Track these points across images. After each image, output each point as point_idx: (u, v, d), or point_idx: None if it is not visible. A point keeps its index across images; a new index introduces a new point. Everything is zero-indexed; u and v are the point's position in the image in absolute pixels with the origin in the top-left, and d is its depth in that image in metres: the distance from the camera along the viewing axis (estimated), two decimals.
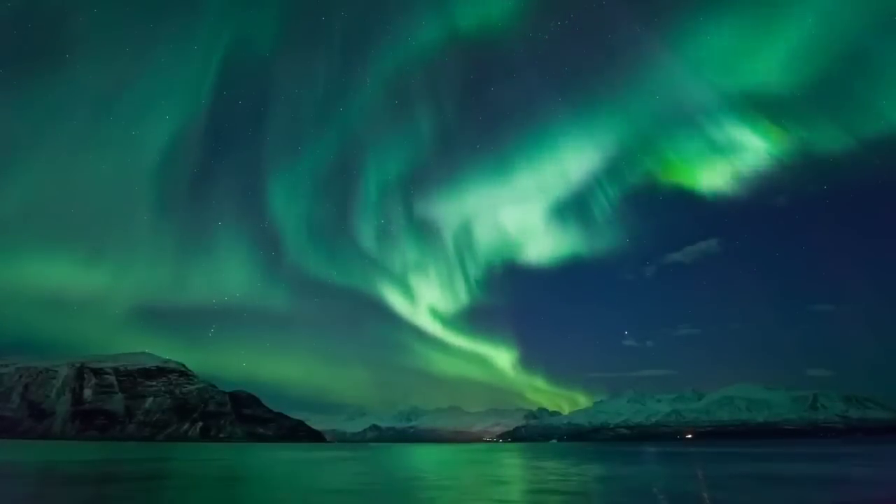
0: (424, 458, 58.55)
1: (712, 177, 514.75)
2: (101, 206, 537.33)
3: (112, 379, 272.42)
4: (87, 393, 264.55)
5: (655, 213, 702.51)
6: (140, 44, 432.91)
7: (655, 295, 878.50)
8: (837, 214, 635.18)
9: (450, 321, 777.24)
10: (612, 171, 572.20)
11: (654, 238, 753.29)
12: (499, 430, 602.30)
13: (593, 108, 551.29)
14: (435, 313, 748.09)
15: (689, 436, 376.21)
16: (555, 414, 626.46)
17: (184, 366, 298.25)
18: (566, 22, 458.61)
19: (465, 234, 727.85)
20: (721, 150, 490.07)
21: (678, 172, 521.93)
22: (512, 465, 43.84)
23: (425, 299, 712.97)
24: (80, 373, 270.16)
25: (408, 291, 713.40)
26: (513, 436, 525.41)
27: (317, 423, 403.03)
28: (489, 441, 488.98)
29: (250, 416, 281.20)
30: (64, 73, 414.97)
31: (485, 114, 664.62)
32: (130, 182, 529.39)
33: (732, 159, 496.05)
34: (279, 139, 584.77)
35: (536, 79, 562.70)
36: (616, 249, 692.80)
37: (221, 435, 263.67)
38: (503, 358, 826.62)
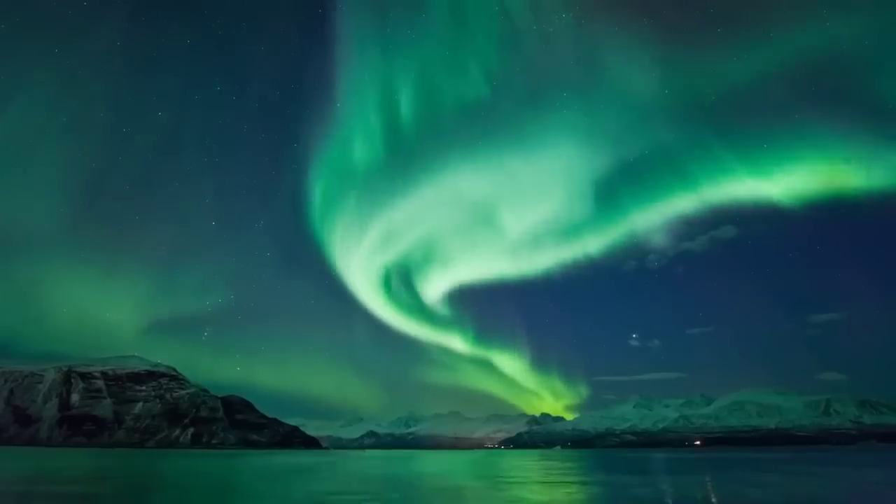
0: (425, 465, 56.40)
1: None
2: (94, 206, 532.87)
3: (100, 383, 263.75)
4: (75, 398, 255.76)
5: None
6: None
7: (663, 289, 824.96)
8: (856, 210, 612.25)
9: (449, 324, 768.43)
10: None
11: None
12: (501, 436, 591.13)
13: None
14: (434, 316, 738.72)
15: (698, 442, 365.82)
16: (558, 419, 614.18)
17: (175, 370, 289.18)
18: None
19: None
20: None
21: None
22: (515, 473, 40.43)
23: (424, 301, 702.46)
24: (68, 377, 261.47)
25: (406, 293, 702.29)
26: (515, 442, 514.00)
27: (312, 429, 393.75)
28: (491, 447, 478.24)
29: (243, 422, 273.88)
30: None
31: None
32: (123, 182, 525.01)
33: None
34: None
35: None
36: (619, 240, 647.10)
37: (213, 441, 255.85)
38: (504, 362, 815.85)
